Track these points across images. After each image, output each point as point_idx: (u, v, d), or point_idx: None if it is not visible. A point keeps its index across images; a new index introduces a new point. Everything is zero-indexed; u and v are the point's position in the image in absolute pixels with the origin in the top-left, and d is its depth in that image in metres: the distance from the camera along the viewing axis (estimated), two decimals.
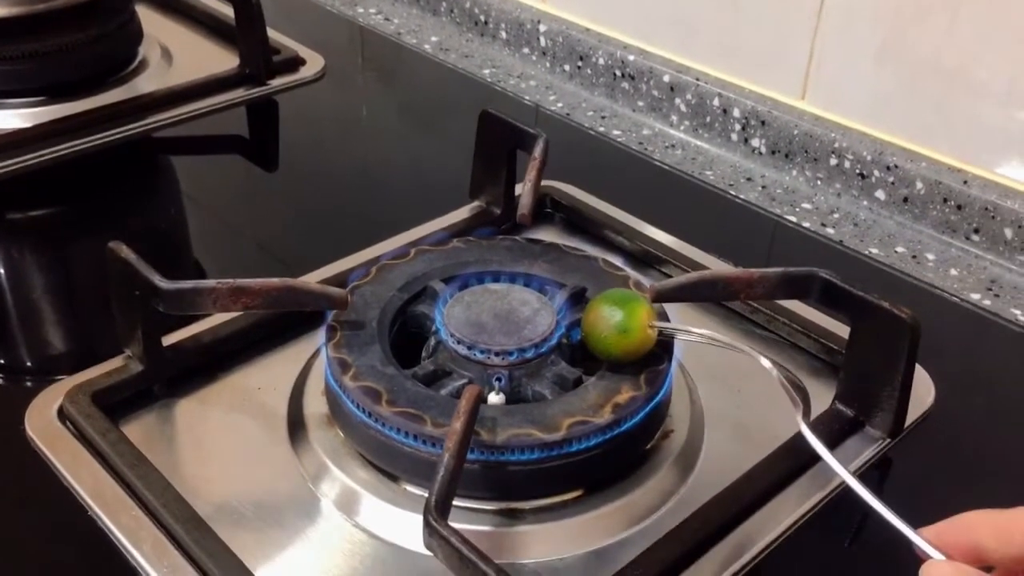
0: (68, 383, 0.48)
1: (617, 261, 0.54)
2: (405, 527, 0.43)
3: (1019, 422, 0.53)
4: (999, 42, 0.62)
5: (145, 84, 0.76)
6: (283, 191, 0.72)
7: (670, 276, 0.59)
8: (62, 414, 0.47)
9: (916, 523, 0.47)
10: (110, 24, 0.74)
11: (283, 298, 0.46)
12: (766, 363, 0.43)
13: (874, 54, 0.67)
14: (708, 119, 0.76)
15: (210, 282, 0.45)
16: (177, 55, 0.80)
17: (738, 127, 0.74)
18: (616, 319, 0.45)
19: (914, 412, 0.49)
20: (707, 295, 0.52)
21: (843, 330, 0.52)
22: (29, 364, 0.56)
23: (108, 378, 0.48)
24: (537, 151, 0.56)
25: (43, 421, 0.47)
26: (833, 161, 0.70)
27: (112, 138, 0.70)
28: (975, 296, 0.61)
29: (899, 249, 0.65)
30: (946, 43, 0.64)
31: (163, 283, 0.45)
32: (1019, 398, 0.55)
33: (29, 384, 0.54)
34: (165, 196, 0.72)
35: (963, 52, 0.64)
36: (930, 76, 0.66)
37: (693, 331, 0.45)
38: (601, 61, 0.81)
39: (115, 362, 0.50)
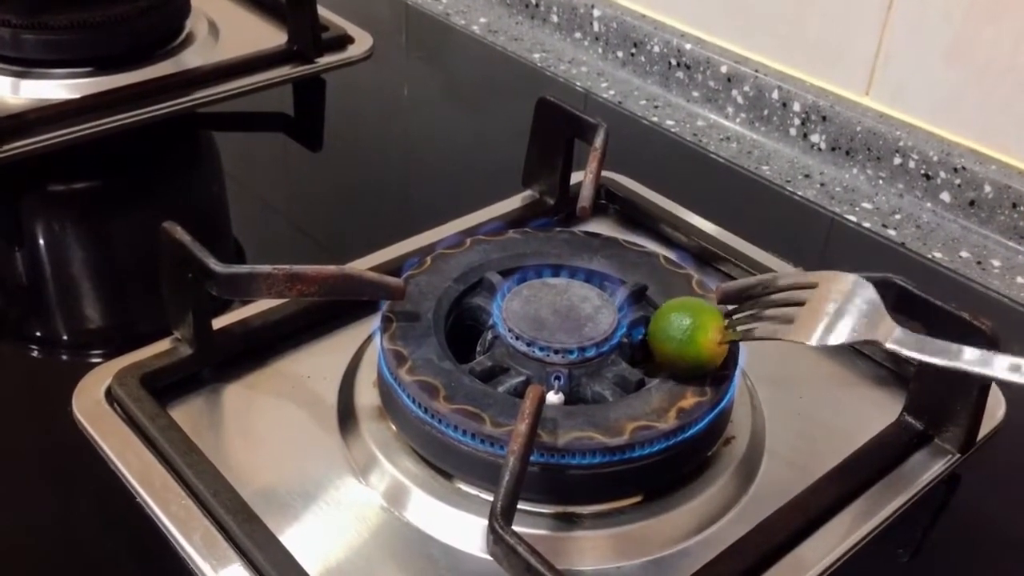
0: (116, 365, 0.47)
1: (673, 256, 0.52)
2: (456, 525, 0.42)
3: None
4: None
5: (192, 58, 0.74)
6: (326, 172, 0.71)
7: (729, 275, 0.57)
8: (110, 396, 0.46)
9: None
10: None
11: (339, 286, 0.45)
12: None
13: (944, 51, 0.65)
14: (766, 112, 0.73)
15: (266, 268, 0.44)
16: (224, 30, 0.79)
17: (797, 121, 0.72)
18: (685, 336, 0.43)
19: (984, 427, 0.47)
20: None
21: None
22: (70, 341, 0.55)
23: (157, 360, 0.47)
24: (598, 141, 0.55)
25: (91, 403, 0.46)
26: (897, 160, 0.67)
27: (157, 113, 0.68)
28: None
29: (963, 254, 0.63)
30: (1021, 43, 0.62)
31: (218, 267, 0.44)
32: None
33: (68, 361, 0.53)
34: (207, 173, 0.71)
35: None
36: (1002, 77, 0.63)
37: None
38: (656, 49, 0.79)
39: (163, 344, 0.48)
